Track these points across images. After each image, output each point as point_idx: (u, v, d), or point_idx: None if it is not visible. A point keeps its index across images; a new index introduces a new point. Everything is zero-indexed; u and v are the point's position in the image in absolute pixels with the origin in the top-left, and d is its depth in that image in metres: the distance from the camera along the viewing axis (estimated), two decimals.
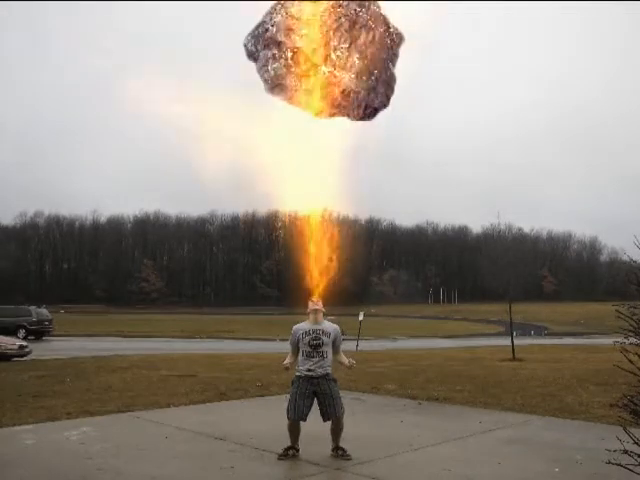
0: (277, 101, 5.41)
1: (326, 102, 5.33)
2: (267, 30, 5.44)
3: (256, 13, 5.60)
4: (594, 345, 23.89)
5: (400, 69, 5.59)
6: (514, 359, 16.08)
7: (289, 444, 5.51)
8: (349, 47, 5.32)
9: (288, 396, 5.59)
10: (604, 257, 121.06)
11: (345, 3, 5.40)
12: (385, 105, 5.50)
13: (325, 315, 5.74)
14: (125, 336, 34.44)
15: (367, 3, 5.45)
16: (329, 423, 5.49)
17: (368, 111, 5.41)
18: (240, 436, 6.23)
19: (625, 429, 3.87)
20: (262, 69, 5.44)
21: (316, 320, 5.58)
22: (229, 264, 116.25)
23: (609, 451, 3.98)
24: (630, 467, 3.89)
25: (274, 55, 5.37)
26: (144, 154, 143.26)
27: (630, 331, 3.90)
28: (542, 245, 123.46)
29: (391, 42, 5.46)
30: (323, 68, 5.30)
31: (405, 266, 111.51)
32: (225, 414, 7.77)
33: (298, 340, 5.55)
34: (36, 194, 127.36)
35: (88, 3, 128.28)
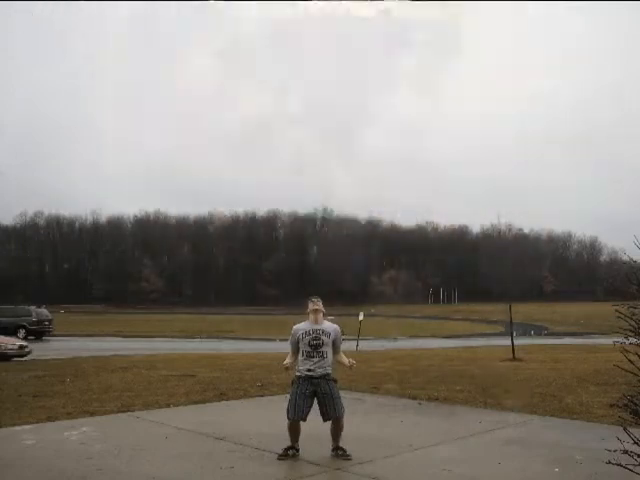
0: None
1: None
2: None
3: None
4: (594, 345, 23.85)
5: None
6: (514, 359, 16.05)
7: (289, 444, 5.50)
8: None
9: (288, 396, 5.59)
10: (604, 257, 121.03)
11: None
12: None
13: (325, 315, 5.74)
14: (125, 336, 34.45)
15: None
16: (329, 423, 5.48)
17: None
18: (240, 436, 6.22)
19: (625, 429, 3.87)
20: None
21: (316, 320, 5.58)
22: (229, 264, 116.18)
23: (609, 451, 3.97)
24: (630, 467, 3.89)
25: None
26: (144, 154, 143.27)
27: (630, 331, 3.90)
28: (542, 245, 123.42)
29: None
30: None
31: (405, 266, 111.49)
32: (225, 414, 7.76)
33: (298, 340, 5.54)
34: (36, 194, 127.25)
35: (89, 3, 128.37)
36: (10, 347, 15.44)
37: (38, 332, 28.38)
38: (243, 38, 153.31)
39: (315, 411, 5.44)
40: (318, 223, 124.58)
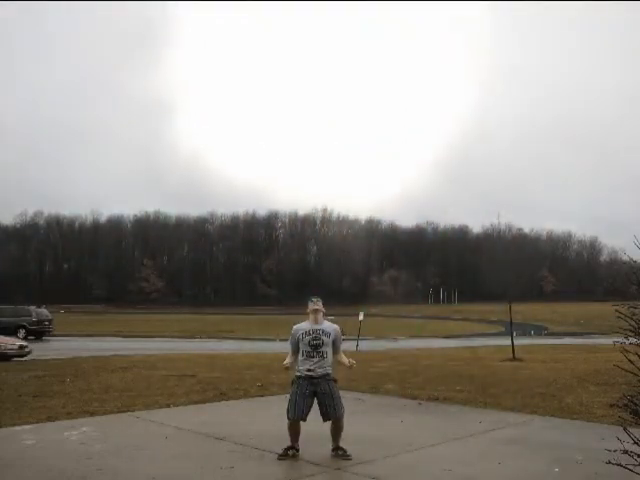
0: None
1: None
2: None
3: None
4: (594, 345, 23.87)
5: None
6: (514, 359, 16.06)
7: (289, 444, 5.50)
8: None
9: (288, 396, 5.59)
10: (604, 257, 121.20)
11: None
12: None
13: (325, 315, 5.75)
14: (125, 336, 34.47)
15: None
16: (329, 423, 5.48)
17: None
18: (240, 436, 6.22)
19: (625, 429, 3.86)
20: None
21: (316, 320, 5.58)
22: (229, 264, 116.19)
23: (609, 451, 3.97)
24: (630, 467, 3.89)
25: None
26: (144, 154, 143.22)
27: (630, 331, 3.89)
28: (542, 245, 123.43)
29: None
30: None
31: (405, 266, 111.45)
32: (225, 414, 7.76)
33: (298, 340, 5.54)
34: (36, 194, 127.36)
35: (90, 3, 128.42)
36: (10, 347, 15.44)
37: (38, 332, 28.38)
38: None
39: (315, 411, 5.44)
40: (318, 223, 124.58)
